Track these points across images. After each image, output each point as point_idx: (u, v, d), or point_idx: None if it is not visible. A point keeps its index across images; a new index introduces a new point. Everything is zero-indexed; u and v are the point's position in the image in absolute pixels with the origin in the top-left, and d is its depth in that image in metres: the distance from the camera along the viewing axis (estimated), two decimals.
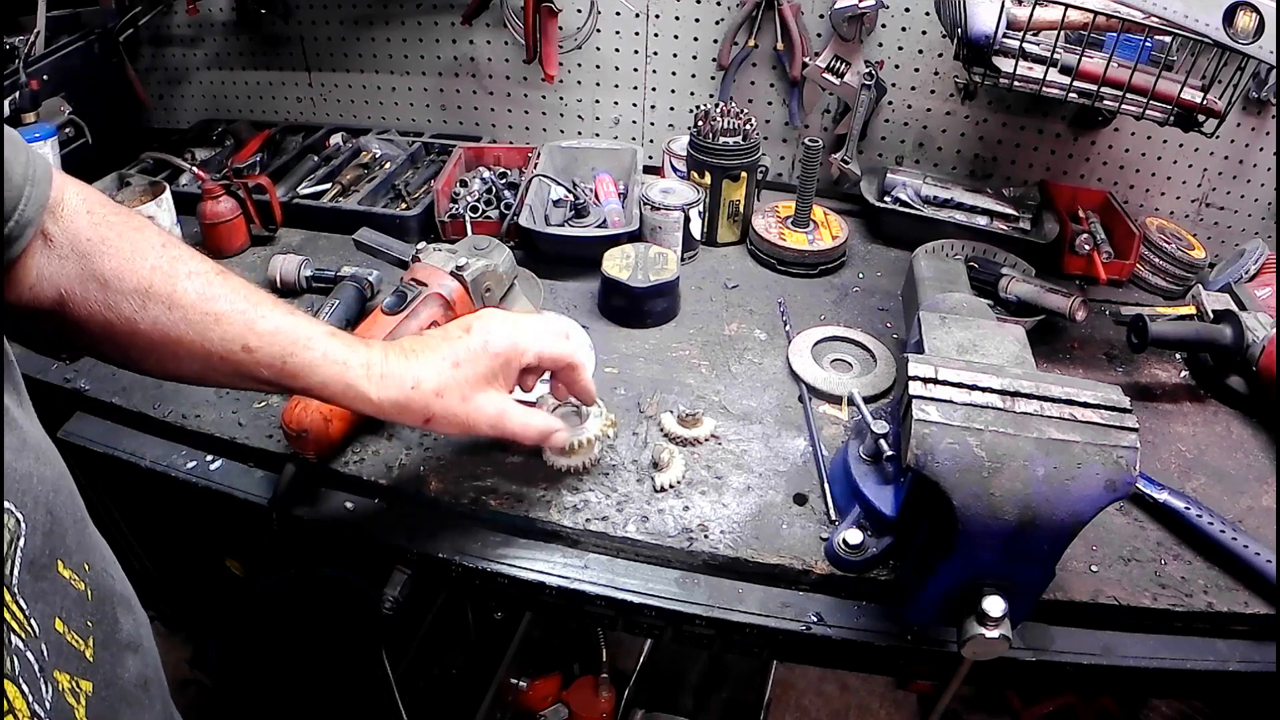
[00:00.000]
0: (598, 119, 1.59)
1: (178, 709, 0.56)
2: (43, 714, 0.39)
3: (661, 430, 0.95)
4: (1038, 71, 1.01)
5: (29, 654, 0.39)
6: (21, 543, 0.41)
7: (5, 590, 0.39)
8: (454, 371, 0.70)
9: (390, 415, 0.69)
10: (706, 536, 0.82)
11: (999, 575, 0.65)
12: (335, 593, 1.23)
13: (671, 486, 0.88)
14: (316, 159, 1.51)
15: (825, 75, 1.40)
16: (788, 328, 1.14)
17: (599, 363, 1.06)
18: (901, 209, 1.37)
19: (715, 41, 1.45)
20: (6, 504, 0.40)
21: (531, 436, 0.76)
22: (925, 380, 0.66)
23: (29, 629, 0.40)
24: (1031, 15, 1.01)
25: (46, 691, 0.40)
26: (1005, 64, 1.03)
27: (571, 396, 0.83)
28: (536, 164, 1.40)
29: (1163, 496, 0.86)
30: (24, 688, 0.38)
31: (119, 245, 0.60)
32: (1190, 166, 1.38)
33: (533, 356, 0.75)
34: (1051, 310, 1.07)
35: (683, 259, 1.27)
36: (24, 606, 0.40)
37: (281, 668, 1.40)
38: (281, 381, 0.65)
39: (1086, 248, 1.26)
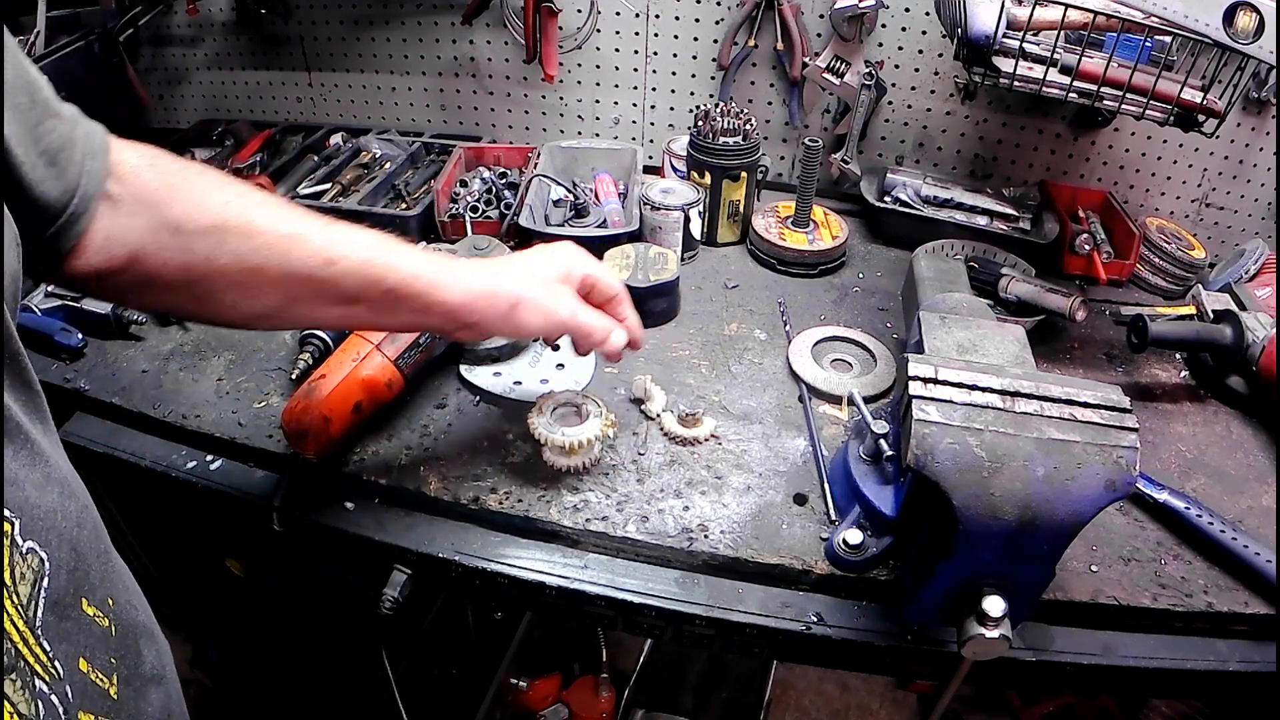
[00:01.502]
0: (598, 119, 1.59)
1: None
2: None
3: (661, 428, 0.95)
4: (1038, 71, 1.01)
5: (53, 697, 0.38)
6: (45, 582, 0.40)
7: (30, 632, 0.38)
8: (535, 268, 0.75)
9: (478, 302, 0.70)
10: (706, 536, 0.82)
11: (999, 575, 0.65)
12: (335, 593, 1.23)
13: (659, 415, 0.94)
14: (316, 159, 1.51)
15: (825, 75, 1.40)
16: (788, 328, 1.14)
17: (599, 363, 1.06)
18: (901, 209, 1.37)
19: (715, 41, 1.45)
20: (30, 543, 0.39)
21: (598, 336, 0.77)
22: (925, 380, 0.66)
23: (53, 671, 0.39)
24: (1031, 15, 1.01)
25: None
26: (1005, 64, 1.03)
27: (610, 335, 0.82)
28: (536, 164, 1.40)
29: (1163, 496, 0.86)
30: None
31: (188, 189, 0.60)
32: (1190, 166, 1.38)
33: (589, 273, 0.78)
34: (1051, 310, 1.07)
35: (683, 259, 1.27)
36: (48, 649, 0.39)
37: (281, 668, 1.40)
38: (365, 288, 0.65)
39: (1086, 248, 1.26)
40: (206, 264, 0.60)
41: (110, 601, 0.47)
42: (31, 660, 0.38)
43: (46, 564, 0.40)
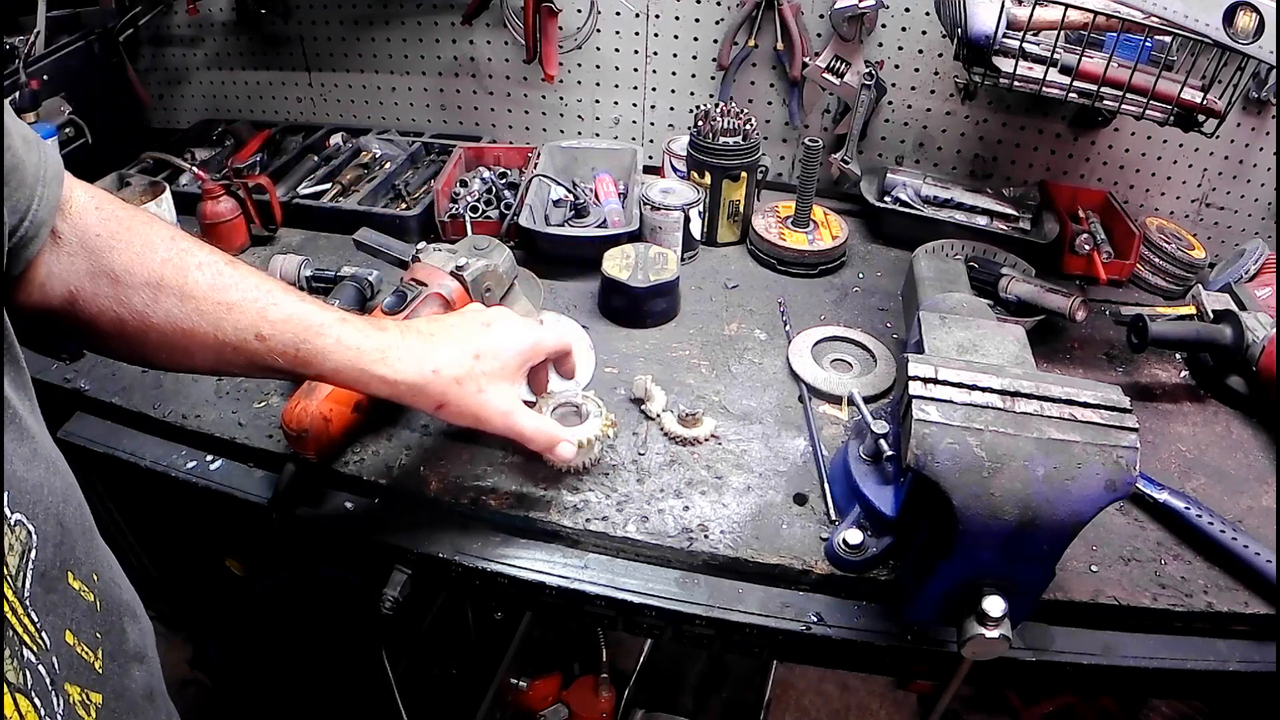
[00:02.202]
0: (598, 119, 1.59)
1: (177, 710, 0.56)
2: None
3: (661, 428, 0.95)
4: (1038, 71, 1.01)
5: (40, 667, 0.39)
6: (33, 554, 0.41)
7: (19, 603, 0.38)
8: (475, 363, 0.71)
9: (404, 398, 0.69)
10: (706, 536, 0.82)
11: (999, 575, 0.65)
12: (335, 593, 1.23)
13: (659, 415, 0.94)
14: (316, 159, 1.51)
15: (825, 75, 1.40)
16: (788, 328, 1.14)
17: (599, 363, 1.06)
18: (901, 209, 1.37)
19: (715, 41, 1.45)
20: (18, 515, 0.40)
21: (540, 443, 0.76)
22: (925, 380, 0.66)
23: (40, 642, 0.39)
24: (1031, 15, 1.01)
25: (58, 704, 0.39)
26: (1005, 64, 1.03)
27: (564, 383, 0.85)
28: (536, 164, 1.40)
29: (1163, 496, 0.86)
30: (36, 701, 0.38)
31: (128, 240, 0.59)
32: (1190, 166, 1.38)
33: (545, 354, 0.77)
34: (1051, 310, 1.07)
35: (683, 259, 1.27)
36: (35, 619, 0.40)
37: (281, 668, 1.40)
38: (295, 369, 0.65)
39: (1086, 248, 1.26)
40: (141, 319, 0.59)
41: (95, 577, 0.47)
42: (20, 630, 0.38)
43: (34, 537, 0.41)
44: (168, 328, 0.60)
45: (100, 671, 0.45)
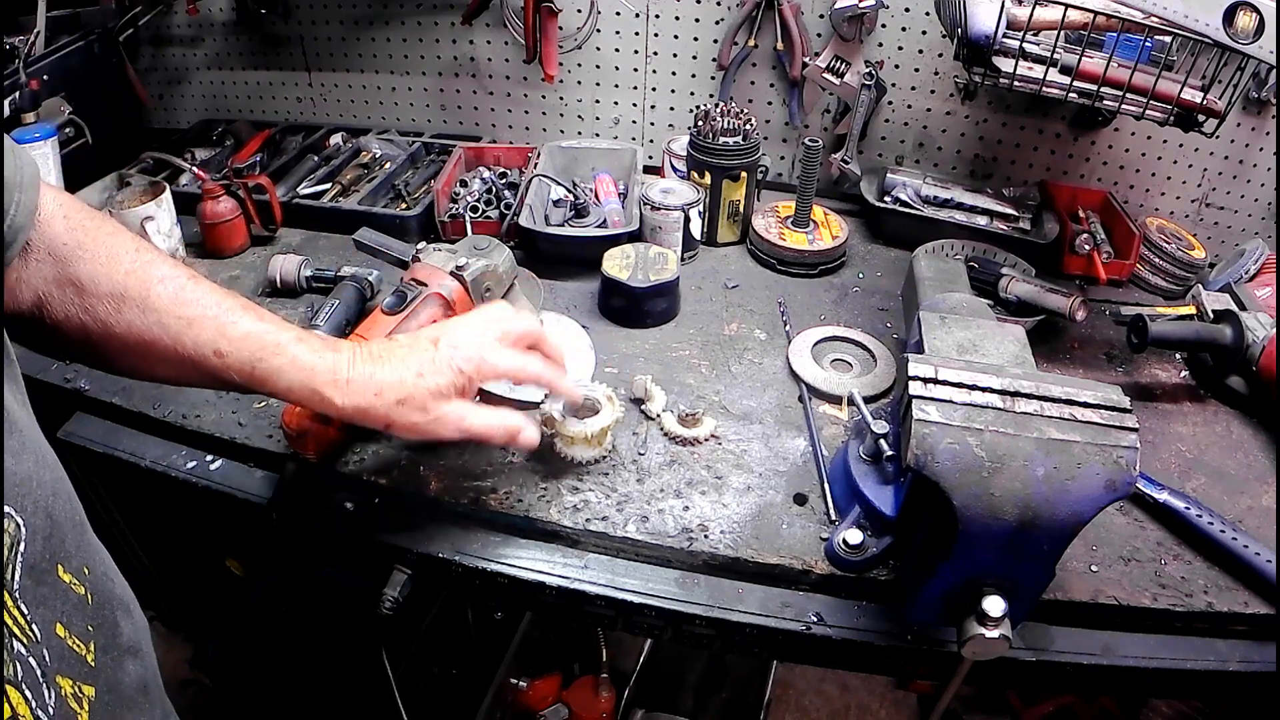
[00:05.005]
0: (598, 119, 1.59)
1: (177, 710, 0.56)
2: (45, 719, 0.38)
3: (661, 428, 0.95)
4: (1038, 71, 1.01)
5: (31, 660, 0.39)
6: (22, 547, 0.41)
7: (8, 595, 0.39)
8: (418, 381, 0.70)
9: (353, 419, 0.70)
10: (706, 536, 0.82)
11: (999, 575, 0.65)
12: (335, 593, 1.23)
13: (660, 415, 0.94)
14: (316, 159, 1.51)
15: (825, 75, 1.40)
16: (788, 328, 1.14)
17: (599, 363, 1.06)
18: (901, 209, 1.37)
19: (715, 41, 1.45)
20: (7, 508, 0.40)
21: (499, 436, 0.75)
22: (925, 380, 0.66)
23: (31, 634, 0.40)
24: (1031, 15, 1.01)
25: (49, 697, 0.39)
26: (1005, 64, 1.03)
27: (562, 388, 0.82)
28: (536, 164, 1.40)
29: (1163, 496, 0.86)
30: (27, 694, 0.38)
31: (94, 250, 0.60)
32: (1190, 166, 1.38)
33: (495, 372, 0.75)
34: (1051, 310, 1.07)
35: (683, 259, 1.27)
36: (25, 612, 0.40)
37: (282, 668, 1.40)
38: (251, 386, 0.66)
39: (1086, 248, 1.26)
40: (104, 328, 0.61)
41: (86, 570, 0.47)
42: (10, 623, 0.38)
43: (22, 529, 0.41)
44: (130, 338, 0.62)
45: (93, 665, 0.45)
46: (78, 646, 0.44)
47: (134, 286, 0.61)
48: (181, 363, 0.64)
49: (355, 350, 0.71)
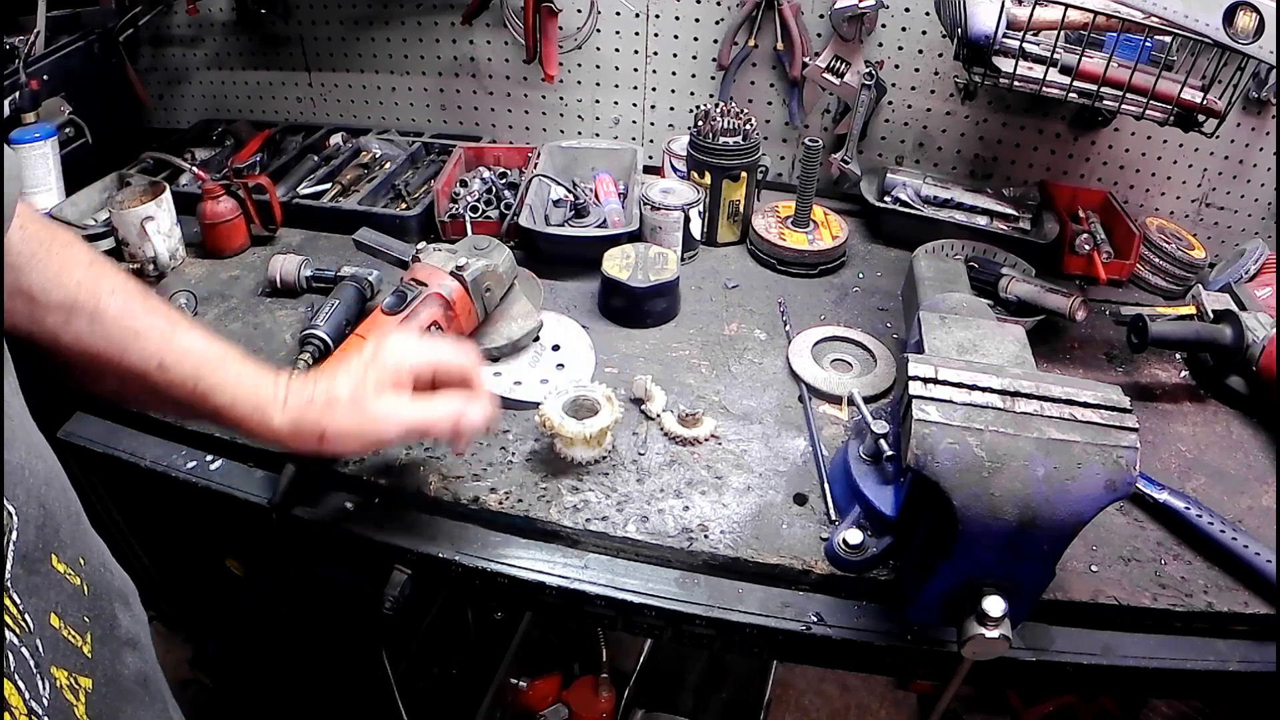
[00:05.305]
0: (598, 119, 1.59)
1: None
2: (40, 711, 0.38)
3: (661, 428, 0.95)
4: (1038, 71, 1.01)
5: (24, 650, 0.39)
6: (14, 536, 0.41)
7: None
8: (346, 380, 0.70)
9: (288, 438, 0.69)
10: (706, 536, 0.82)
11: (999, 575, 0.65)
12: (335, 593, 1.23)
13: (660, 415, 0.94)
14: (316, 159, 1.51)
15: (825, 75, 1.40)
16: (788, 328, 1.14)
17: (599, 363, 1.06)
18: (901, 209, 1.37)
19: (715, 41, 1.45)
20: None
21: (442, 424, 0.72)
22: (925, 380, 0.66)
23: (24, 624, 0.39)
24: (1031, 15, 1.01)
25: (44, 688, 0.39)
26: (1005, 64, 1.03)
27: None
28: (536, 164, 1.40)
29: (1163, 496, 0.86)
30: (20, 685, 0.37)
31: (47, 261, 0.61)
32: (1190, 166, 1.38)
33: (424, 362, 0.73)
34: (1051, 310, 1.07)
35: (683, 259, 1.27)
36: (18, 601, 0.40)
37: (282, 668, 1.40)
38: (192, 402, 0.66)
39: (1086, 248, 1.26)
40: (51, 338, 0.61)
41: (82, 561, 0.47)
42: (1, 612, 0.38)
43: (14, 518, 0.41)
44: (76, 349, 0.62)
45: (89, 656, 0.45)
46: (73, 637, 0.43)
47: (84, 297, 0.61)
48: (125, 376, 0.64)
49: (290, 374, 0.71)
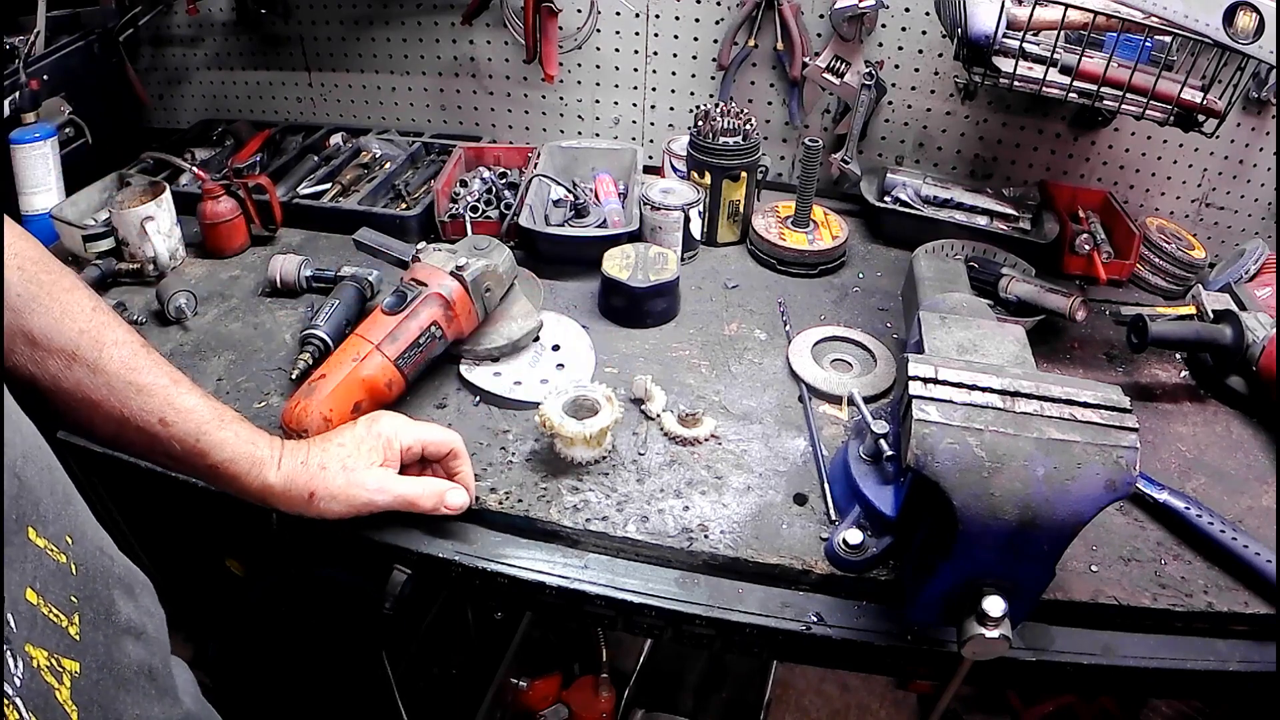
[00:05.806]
0: (598, 119, 1.59)
1: None
2: (10, 691, 0.36)
3: (661, 428, 0.95)
4: (1038, 71, 1.01)
5: None
6: None
7: None
8: (339, 450, 0.76)
9: (280, 498, 0.73)
10: (706, 536, 0.82)
11: (999, 575, 0.65)
12: (335, 593, 1.23)
13: (659, 415, 0.95)
14: (316, 159, 1.51)
15: (825, 75, 1.40)
16: (788, 328, 1.14)
17: (599, 363, 1.06)
18: (901, 209, 1.37)
19: (715, 41, 1.45)
20: None
21: (426, 500, 0.78)
22: (925, 380, 0.66)
23: None
24: (1031, 15, 1.01)
25: (16, 666, 0.37)
26: (1005, 64, 1.03)
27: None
28: (536, 164, 1.40)
29: (1163, 496, 0.86)
30: None
31: (48, 305, 0.61)
32: (1190, 166, 1.38)
33: (413, 441, 0.79)
34: (1051, 310, 1.07)
35: (683, 259, 1.27)
36: None
37: (282, 668, 1.40)
38: (190, 458, 0.69)
39: (1086, 248, 1.26)
40: (52, 381, 0.62)
41: (69, 540, 0.46)
42: None
43: None
44: (76, 395, 0.63)
45: (77, 638, 0.43)
46: (56, 616, 0.42)
47: (87, 347, 0.63)
48: (124, 425, 0.66)
49: (285, 439, 0.76)
